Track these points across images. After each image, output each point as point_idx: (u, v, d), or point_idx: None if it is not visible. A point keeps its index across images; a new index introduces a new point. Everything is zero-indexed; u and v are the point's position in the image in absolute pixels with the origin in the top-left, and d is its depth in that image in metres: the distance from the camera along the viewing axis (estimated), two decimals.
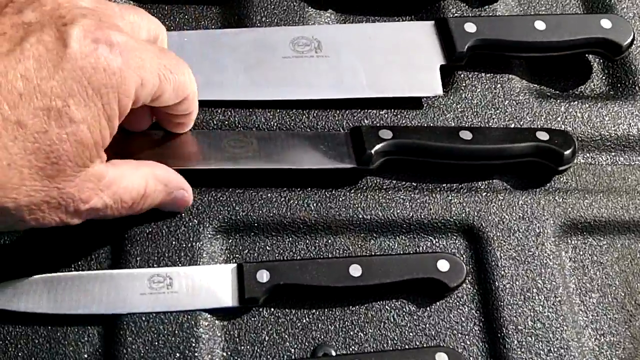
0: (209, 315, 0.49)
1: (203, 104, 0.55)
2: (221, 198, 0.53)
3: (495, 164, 0.56)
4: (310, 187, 0.54)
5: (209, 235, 0.52)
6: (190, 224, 0.52)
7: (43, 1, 0.42)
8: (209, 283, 0.49)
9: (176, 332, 0.48)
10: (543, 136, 0.55)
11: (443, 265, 0.51)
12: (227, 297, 0.49)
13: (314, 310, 0.50)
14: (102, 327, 0.48)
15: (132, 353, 0.47)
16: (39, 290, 0.48)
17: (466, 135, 0.55)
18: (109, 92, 0.41)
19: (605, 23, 0.60)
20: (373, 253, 0.53)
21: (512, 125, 0.58)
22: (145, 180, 0.46)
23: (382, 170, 0.55)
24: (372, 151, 0.53)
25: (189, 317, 0.49)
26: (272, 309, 0.50)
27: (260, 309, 0.50)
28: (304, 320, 0.50)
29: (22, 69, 0.39)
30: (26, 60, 0.39)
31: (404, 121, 0.57)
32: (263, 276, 0.49)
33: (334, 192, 0.54)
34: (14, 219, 0.41)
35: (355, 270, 0.49)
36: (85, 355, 0.48)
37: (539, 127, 0.58)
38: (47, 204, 0.41)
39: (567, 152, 0.55)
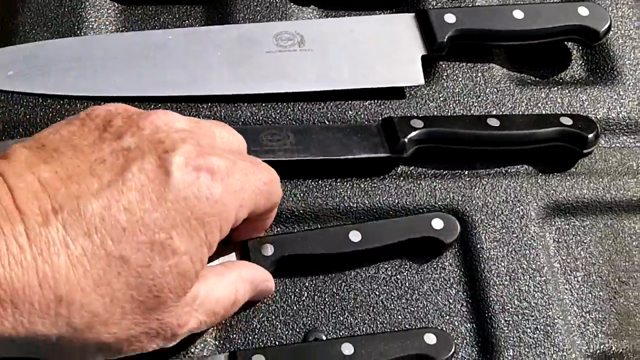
0: None
1: (189, 99, 0.57)
2: None
3: (521, 149, 0.57)
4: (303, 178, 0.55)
5: None
6: None
7: (141, 124, 0.41)
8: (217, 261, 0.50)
9: None
10: (567, 121, 0.57)
11: (437, 223, 0.52)
12: None
13: (304, 297, 0.51)
14: None
15: None
16: None
17: (494, 122, 0.56)
18: (211, 221, 0.40)
19: (583, 10, 0.61)
20: None
21: (494, 112, 0.59)
22: (234, 287, 0.45)
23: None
24: (406, 139, 0.54)
25: None
26: None
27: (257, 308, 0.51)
28: (295, 308, 0.51)
29: (125, 201, 0.38)
30: (129, 192, 0.38)
31: (387, 111, 0.58)
32: (268, 250, 0.50)
33: (319, 182, 0.55)
34: (112, 352, 0.40)
35: (355, 236, 0.51)
36: None
37: (557, 112, 0.60)
38: (146, 334, 0.40)
39: (591, 135, 0.57)
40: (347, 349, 0.47)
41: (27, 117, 0.55)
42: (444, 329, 0.51)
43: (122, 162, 0.39)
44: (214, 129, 0.45)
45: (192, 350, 0.48)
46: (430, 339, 0.48)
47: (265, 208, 0.46)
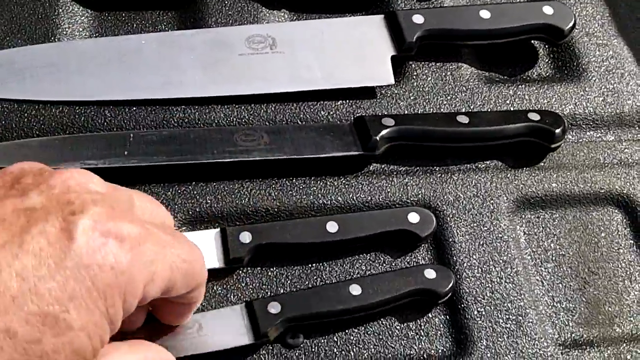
0: None
1: (163, 102, 0.57)
2: (185, 191, 0.54)
3: (491, 145, 0.59)
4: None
5: (175, 228, 0.53)
6: None
7: (52, 183, 0.37)
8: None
9: None
10: (534, 116, 0.58)
11: (413, 217, 0.53)
12: (213, 260, 0.51)
13: (282, 295, 0.52)
14: None
15: None
16: None
17: (463, 119, 0.57)
18: (114, 293, 0.35)
19: (547, 9, 0.63)
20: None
21: (463, 110, 0.61)
22: None
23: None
24: (377, 137, 0.55)
25: None
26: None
27: (230, 298, 0.51)
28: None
29: (19, 266, 0.33)
30: (24, 256, 0.33)
31: (359, 111, 0.59)
32: (246, 237, 0.51)
33: (294, 180, 0.56)
34: None
35: (332, 227, 0.52)
36: None
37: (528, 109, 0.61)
38: None
39: (558, 130, 0.58)
40: (355, 289, 0.50)
41: (3, 122, 0.55)
42: (419, 321, 0.52)
43: (22, 223, 0.34)
44: (134, 197, 0.41)
45: None
46: (430, 274, 0.51)
47: (184, 289, 0.41)
